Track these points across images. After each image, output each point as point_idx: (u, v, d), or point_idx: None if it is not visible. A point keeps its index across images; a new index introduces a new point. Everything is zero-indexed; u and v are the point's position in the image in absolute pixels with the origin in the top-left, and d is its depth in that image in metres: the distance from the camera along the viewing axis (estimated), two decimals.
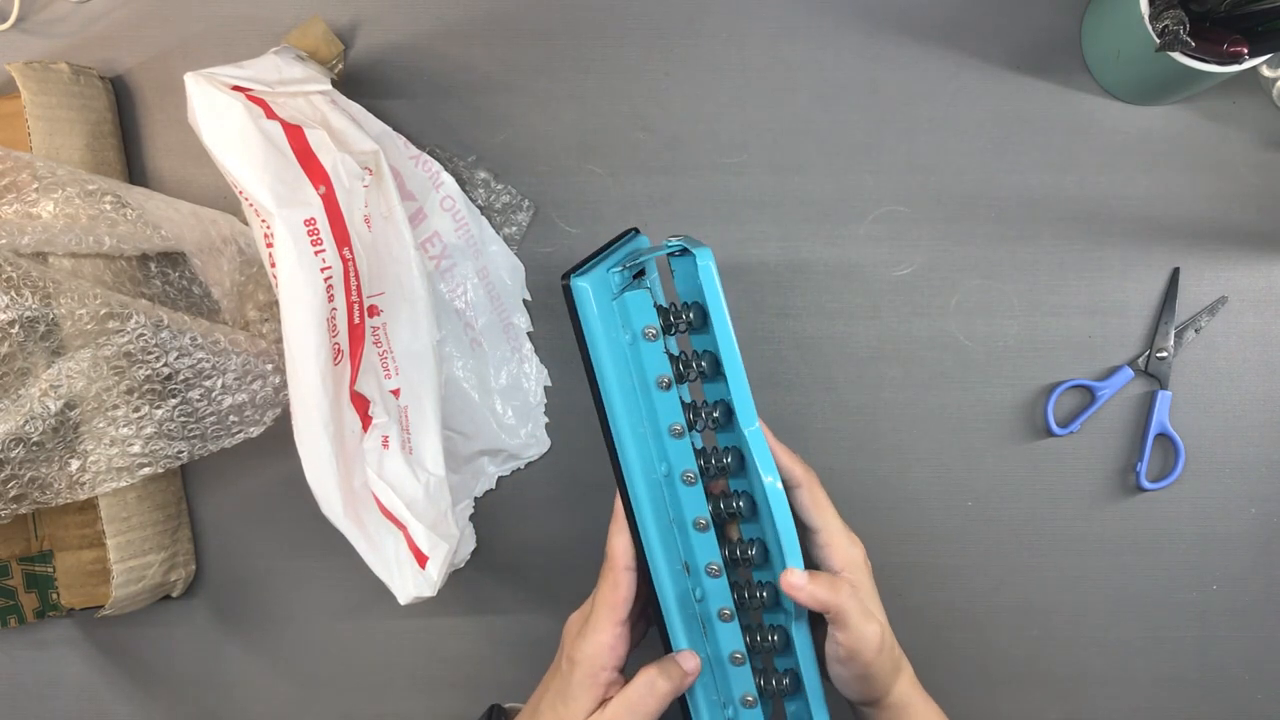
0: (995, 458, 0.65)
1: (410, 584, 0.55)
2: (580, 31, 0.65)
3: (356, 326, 0.55)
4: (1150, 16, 0.56)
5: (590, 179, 0.65)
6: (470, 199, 0.64)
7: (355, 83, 0.64)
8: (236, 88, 0.52)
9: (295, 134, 0.53)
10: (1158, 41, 0.56)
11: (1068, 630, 0.65)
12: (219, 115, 0.51)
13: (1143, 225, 0.64)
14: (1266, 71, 0.62)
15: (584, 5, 0.64)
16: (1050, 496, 0.65)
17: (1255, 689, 0.65)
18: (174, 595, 0.64)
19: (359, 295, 0.55)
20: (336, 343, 0.53)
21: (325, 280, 0.51)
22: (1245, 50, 0.55)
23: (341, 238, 0.53)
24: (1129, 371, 0.64)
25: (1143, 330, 0.64)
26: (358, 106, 0.61)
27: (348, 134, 0.57)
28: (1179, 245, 0.64)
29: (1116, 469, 0.65)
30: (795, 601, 0.48)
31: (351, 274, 0.54)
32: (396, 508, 0.55)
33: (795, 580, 0.48)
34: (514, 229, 0.64)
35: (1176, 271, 0.64)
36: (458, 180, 0.63)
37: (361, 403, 0.56)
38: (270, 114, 0.53)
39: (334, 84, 0.59)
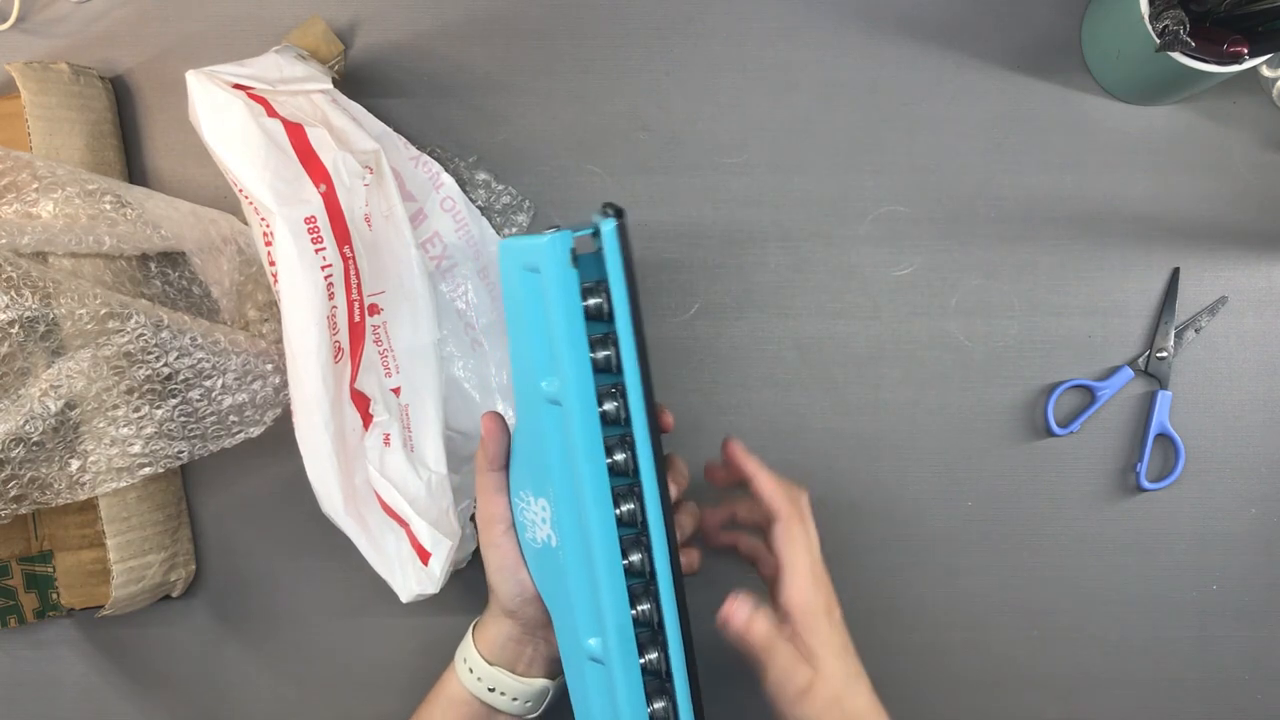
0: (995, 458, 0.65)
1: (413, 581, 0.55)
2: (580, 31, 0.65)
3: (357, 325, 0.55)
4: (1150, 16, 0.56)
5: (590, 179, 0.65)
6: (470, 199, 0.64)
7: (355, 82, 0.64)
8: (237, 85, 0.52)
9: (296, 132, 0.53)
10: (1158, 41, 0.56)
11: (1068, 630, 0.65)
12: (220, 113, 0.51)
13: (1143, 225, 0.64)
14: (1267, 71, 0.62)
15: (584, 5, 0.64)
16: (1050, 496, 0.65)
17: (1255, 689, 0.65)
18: (174, 595, 0.64)
19: (359, 293, 0.55)
20: (337, 340, 0.53)
21: (325, 278, 0.51)
22: (1245, 50, 0.55)
23: (342, 236, 0.53)
24: (1129, 371, 0.64)
25: (1143, 330, 0.64)
26: (358, 106, 0.61)
27: (348, 133, 0.57)
28: (1179, 245, 0.64)
29: (1116, 469, 0.65)
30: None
31: (352, 272, 0.54)
32: (399, 505, 0.55)
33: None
34: (514, 229, 0.64)
35: (1176, 271, 0.64)
36: (458, 181, 0.63)
37: (362, 400, 0.56)
38: (271, 112, 0.53)
39: (334, 84, 0.59)
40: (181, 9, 0.64)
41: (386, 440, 0.57)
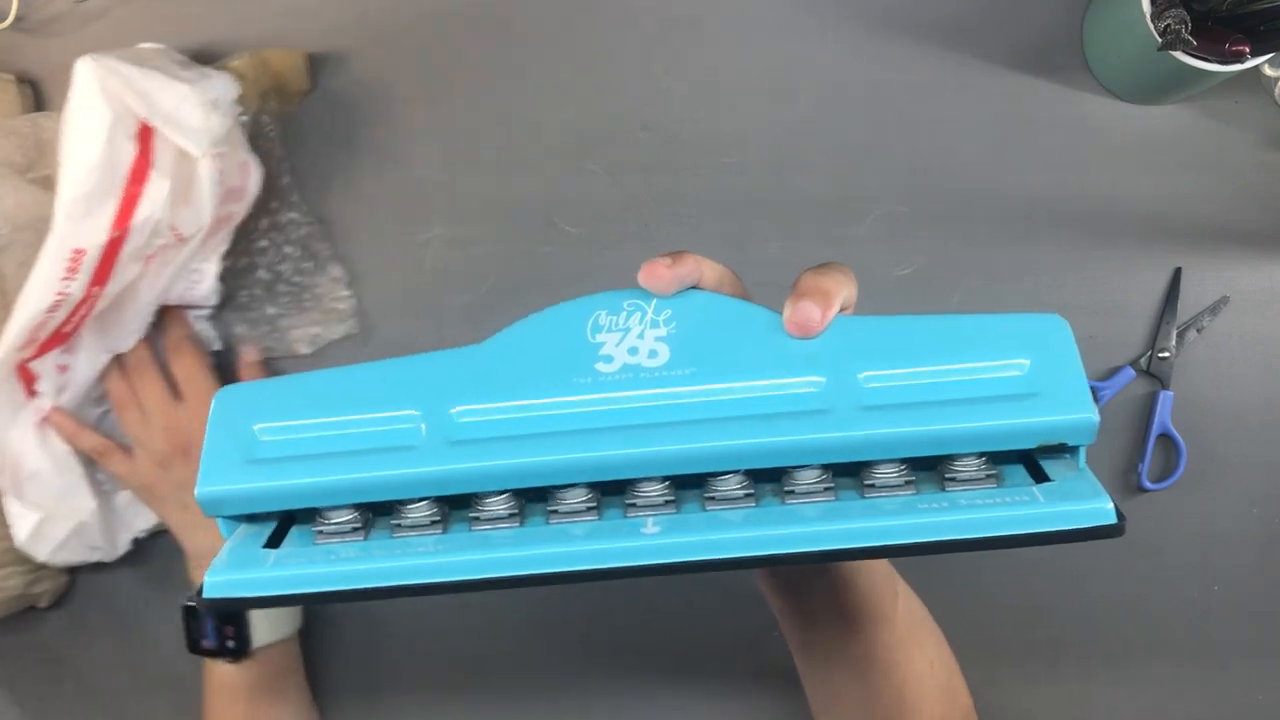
0: None
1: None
2: (580, 31, 0.64)
3: (52, 339, 0.55)
4: (1152, 15, 0.56)
5: (590, 179, 0.65)
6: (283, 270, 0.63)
7: (354, 73, 0.64)
8: (127, 91, 0.51)
9: (139, 167, 0.52)
10: (1159, 41, 0.56)
11: (1068, 630, 0.65)
12: (88, 115, 0.50)
13: (1144, 225, 0.64)
14: (1268, 71, 0.62)
15: (584, 4, 0.64)
16: None
17: (1255, 689, 0.65)
18: (40, 606, 0.64)
19: (74, 327, 0.55)
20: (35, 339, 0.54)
21: (56, 299, 0.52)
22: (1247, 50, 0.55)
23: (102, 277, 0.53)
24: (1131, 371, 0.64)
25: (1144, 330, 0.64)
26: (215, 175, 0.55)
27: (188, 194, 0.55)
28: (1180, 245, 0.64)
29: (1118, 469, 0.64)
30: None
31: (83, 308, 0.54)
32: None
33: None
34: (315, 330, 0.64)
35: (1178, 271, 0.64)
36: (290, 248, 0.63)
37: (29, 377, 0.57)
38: (144, 132, 0.52)
39: (286, 117, 0.58)
40: (181, 9, 0.64)
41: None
